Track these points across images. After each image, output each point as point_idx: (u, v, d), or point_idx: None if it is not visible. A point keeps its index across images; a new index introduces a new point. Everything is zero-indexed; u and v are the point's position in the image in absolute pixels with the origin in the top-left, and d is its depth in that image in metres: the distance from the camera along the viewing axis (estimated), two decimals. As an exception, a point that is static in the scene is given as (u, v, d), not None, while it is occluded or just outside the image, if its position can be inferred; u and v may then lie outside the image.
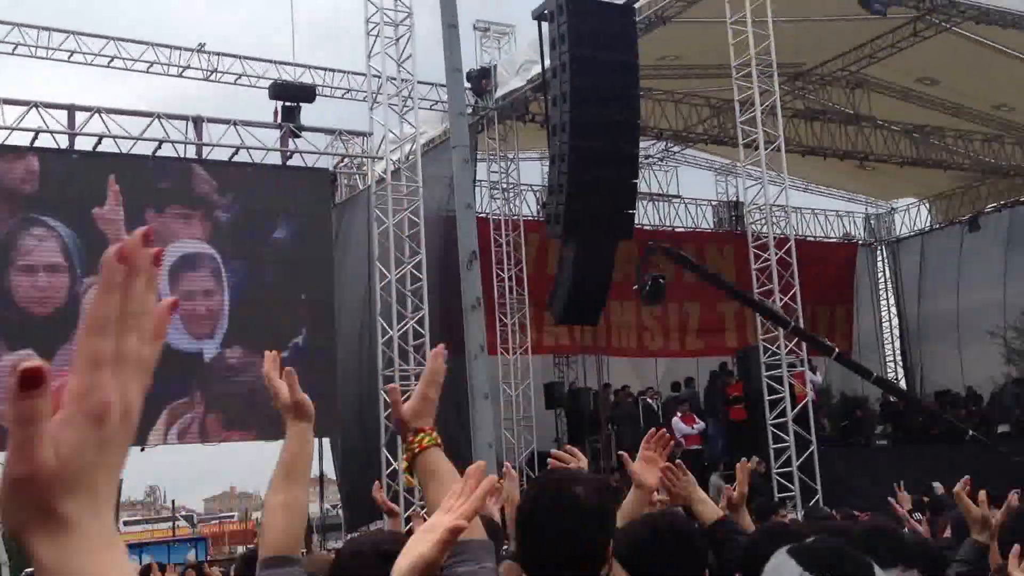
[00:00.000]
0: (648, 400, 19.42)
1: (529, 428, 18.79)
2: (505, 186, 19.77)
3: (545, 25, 14.81)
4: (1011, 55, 20.62)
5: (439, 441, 2.29)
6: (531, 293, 18.86)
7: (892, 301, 29.83)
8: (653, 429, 3.56)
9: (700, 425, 17.99)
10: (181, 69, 18.61)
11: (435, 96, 18.67)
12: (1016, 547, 2.69)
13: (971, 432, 16.34)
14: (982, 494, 4.06)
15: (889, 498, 7.80)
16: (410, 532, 2.30)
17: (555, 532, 2.37)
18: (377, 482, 8.03)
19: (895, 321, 29.70)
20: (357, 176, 19.82)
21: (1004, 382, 23.78)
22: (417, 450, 2.27)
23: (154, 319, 0.84)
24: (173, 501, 50.09)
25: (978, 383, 24.05)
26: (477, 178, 19.37)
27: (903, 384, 27.29)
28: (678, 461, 3.75)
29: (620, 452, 3.71)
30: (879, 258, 30.13)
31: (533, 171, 22.59)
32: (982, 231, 27.19)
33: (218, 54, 18.88)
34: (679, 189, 25.30)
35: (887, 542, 3.16)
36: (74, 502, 0.78)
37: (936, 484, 10.41)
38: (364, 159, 18.29)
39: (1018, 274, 27.24)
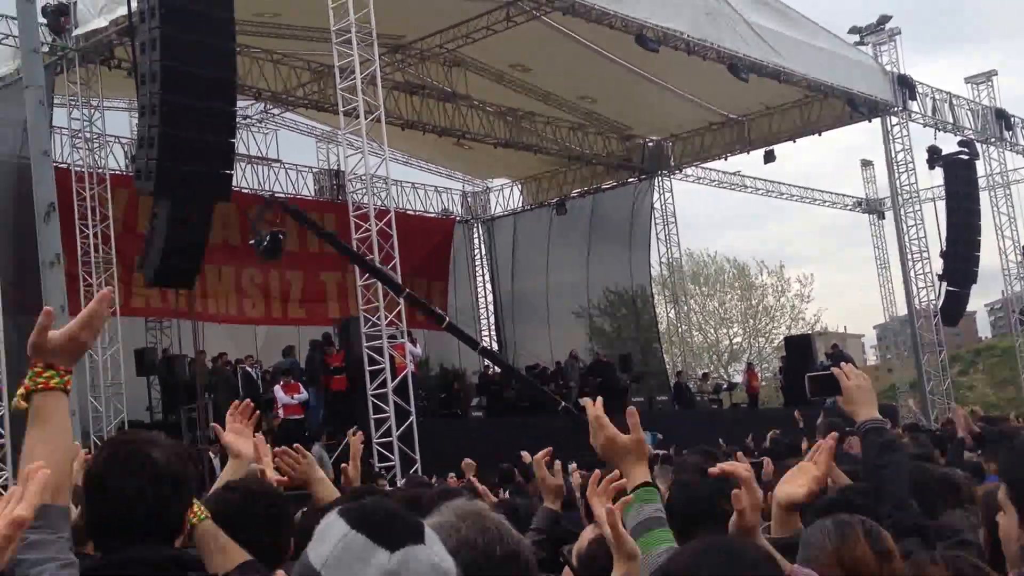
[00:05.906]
0: (247, 368, 18.83)
1: (119, 396, 17.35)
2: (89, 135, 17.96)
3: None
4: (594, 49, 21.95)
5: (68, 388, 2.17)
6: (119, 252, 17.45)
7: (487, 278, 30.99)
8: (236, 401, 3.57)
9: (302, 395, 17.58)
10: None
11: (6, 29, 16.69)
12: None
13: (563, 404, 17.07)
14: (557, 464, 4.29)
15: None
16: None
17: (128, 495, 2.31)
18: None
19: (490, 297, 30.90)
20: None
21: (591, 359, 25.24)
22: (41, 387, 2.14)
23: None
24: None
25: (566, 359, 25.34)
26: (57, 125, 17.94)
27: (499, 358, 28.37)
28: (297, 445, 3.77)
29: (214, 424, 3.67)
30: (475, 235, 31.18)
31: (120, 121, 21.12)
32: (568, 214, 28.90)
33: None
34: (279, 153, 24.91)
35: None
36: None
37: (524, 453, 10.57)
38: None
39: (599, 256, 29.29)
